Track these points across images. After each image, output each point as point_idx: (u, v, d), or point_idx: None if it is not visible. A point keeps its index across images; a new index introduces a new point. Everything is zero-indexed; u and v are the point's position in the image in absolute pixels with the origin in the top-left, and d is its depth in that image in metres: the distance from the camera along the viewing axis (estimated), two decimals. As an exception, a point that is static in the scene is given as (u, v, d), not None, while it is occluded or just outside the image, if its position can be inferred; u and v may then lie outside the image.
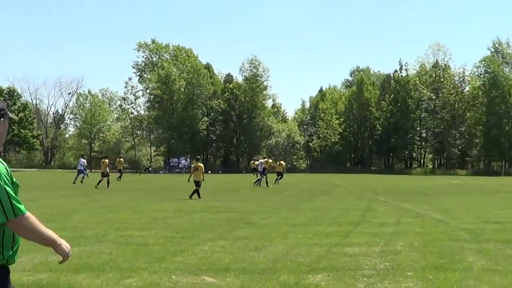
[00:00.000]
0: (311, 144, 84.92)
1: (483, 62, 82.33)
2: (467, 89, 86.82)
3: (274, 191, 29.97)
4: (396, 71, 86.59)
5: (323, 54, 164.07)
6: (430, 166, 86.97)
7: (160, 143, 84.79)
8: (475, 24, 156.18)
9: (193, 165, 26.25)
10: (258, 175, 35.92)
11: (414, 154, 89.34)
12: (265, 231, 12.79)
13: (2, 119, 3.25)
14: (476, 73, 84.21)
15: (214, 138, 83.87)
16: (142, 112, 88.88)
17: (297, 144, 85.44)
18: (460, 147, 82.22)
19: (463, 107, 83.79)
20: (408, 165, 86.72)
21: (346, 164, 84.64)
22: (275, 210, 18.18)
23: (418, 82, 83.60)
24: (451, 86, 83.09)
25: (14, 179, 3.19)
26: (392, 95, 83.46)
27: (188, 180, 24.00)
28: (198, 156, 64.81)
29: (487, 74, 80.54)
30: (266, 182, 33.55)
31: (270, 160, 37.51)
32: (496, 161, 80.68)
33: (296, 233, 12.48)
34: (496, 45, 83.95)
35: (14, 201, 3.04)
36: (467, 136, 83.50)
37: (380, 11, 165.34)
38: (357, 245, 10.90)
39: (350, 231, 12.93)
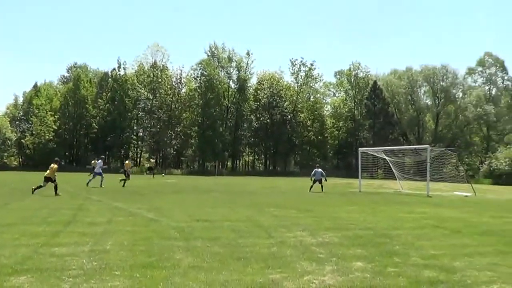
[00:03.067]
0: (23, 141, 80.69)
1: (199, 65, 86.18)
2: (184, 90, 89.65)
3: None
4: (114, 69, 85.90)
5: (38, 48, 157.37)
6: (146, 166, 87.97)
7: None
8: (193, 25, 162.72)
9: None
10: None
11: (130, 153, 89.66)
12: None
13: None
14: (193, 75, 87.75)
15: None
16: None
17: (8, 141, 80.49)
18: (176, 147, 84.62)
19: (180, 108, 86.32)
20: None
21: (60, 162, 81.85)
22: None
23: (136, 81, 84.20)
24: (169, 87, 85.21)
25: None
26: (110, 93, 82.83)
27: None
28: None
29: (203, 77, 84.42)
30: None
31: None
32: (210, 161, 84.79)
33: (1, 234, 11.88)
34: (213, 49, 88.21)
35: None
36: (182, 137, 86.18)
37: (106, 9, 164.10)
38: (66, 245, 10.65)
39: (59, 231, 12.59)
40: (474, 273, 8.79)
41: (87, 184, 33.49)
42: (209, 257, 9.70)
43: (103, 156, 40.84)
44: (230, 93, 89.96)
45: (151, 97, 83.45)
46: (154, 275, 8.09)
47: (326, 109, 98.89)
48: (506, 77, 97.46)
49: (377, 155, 44.43)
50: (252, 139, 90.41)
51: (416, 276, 8.41)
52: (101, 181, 33.75)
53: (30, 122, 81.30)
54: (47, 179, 26.06)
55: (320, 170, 35.71)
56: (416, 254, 10.47)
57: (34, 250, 10.00)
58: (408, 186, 41.77)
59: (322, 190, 34.74)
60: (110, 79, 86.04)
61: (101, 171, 34.38)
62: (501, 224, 16.46)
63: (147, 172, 61.15)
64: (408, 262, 9.68)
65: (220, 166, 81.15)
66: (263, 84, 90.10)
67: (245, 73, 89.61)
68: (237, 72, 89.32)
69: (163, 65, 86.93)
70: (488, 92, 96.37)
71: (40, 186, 25.59)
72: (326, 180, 35.81)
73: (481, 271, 8.96)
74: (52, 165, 26.79)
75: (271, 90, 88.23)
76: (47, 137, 78.68)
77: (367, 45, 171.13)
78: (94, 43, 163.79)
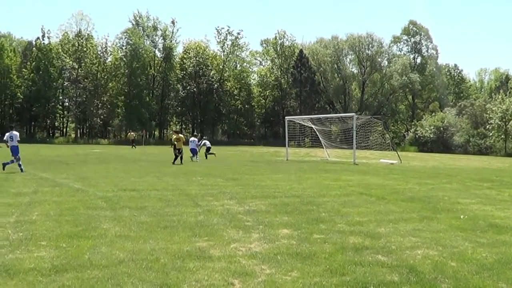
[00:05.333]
0: None
1: (125, 34, 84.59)
2: (109, 59, 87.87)
3: None
4: (38, 38, 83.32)
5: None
6: (73, 136, 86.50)
7: None
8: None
9: None
10: None
11: (56, 123, 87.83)
12: None
13: None
14: (118, 44, 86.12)
15: None
16: None
17: None
18: (102, 116, 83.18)
19: (106, 77, 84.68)
20: (51, 134, 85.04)
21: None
22: None
23: (61, 50, 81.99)
24: (94, 56, 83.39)
25: None
26: (34, 63, 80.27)
27: None
28: None
29: (129, 46, 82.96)
30: None
31: None
32: (135, 131, 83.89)
33: None
34: (137, 18, 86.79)
35: None
36: (109, 106, 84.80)
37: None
38: (-10, 216, 10.44)
39: (-17, 202, 12.30)
40: (399, 239, 9.06)
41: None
42: (136, 226, 9.70)
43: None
44: (156, 62, 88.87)
45: (76, 67, 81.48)
46: (81, 245, 8.02)
47: (253, 78, 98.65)
48: (430, 46, 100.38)
49: (303, 123, 44.95)
50: (179, 108, 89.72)
51: (342, 243, 8.60)
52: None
53: (-49, 92, 78.14)
54: None
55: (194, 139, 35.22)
56: (342, 221, 10.70)
57: (-43, 222, 9.74)
58: (335, 154, 42.54)
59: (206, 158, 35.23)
60: (34, 48, 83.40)
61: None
62: (425, 191, 16.99)
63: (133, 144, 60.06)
64: (334, 229, 9.89)
65: (147, 136, 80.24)
66: (189, 53, 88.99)
67: (171, 41, 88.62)
68: (163, 41, 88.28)
69: (88, 34, 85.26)
70: (413, 61, 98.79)
71: None
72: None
73: (405, 237, 9.25)
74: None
75: (197, 59, 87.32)
76: (-30, 107, 76.02)
77: (293, 13, 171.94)
78: (17, 12, 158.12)
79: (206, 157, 36.47)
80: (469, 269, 7.17)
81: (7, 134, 23.24)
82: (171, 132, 77.38)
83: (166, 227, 9.64)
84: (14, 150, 22.52)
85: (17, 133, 23.50)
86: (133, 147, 57.34)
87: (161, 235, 8.92)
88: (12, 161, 22.37)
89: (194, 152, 33.71)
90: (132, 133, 65.88)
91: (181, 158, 29.77)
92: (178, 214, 11.15)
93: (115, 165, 27.98)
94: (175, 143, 30.40)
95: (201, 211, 11.57)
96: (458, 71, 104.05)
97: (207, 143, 38.77)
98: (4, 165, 22.05)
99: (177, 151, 29.79)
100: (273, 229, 9.67)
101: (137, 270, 6.72)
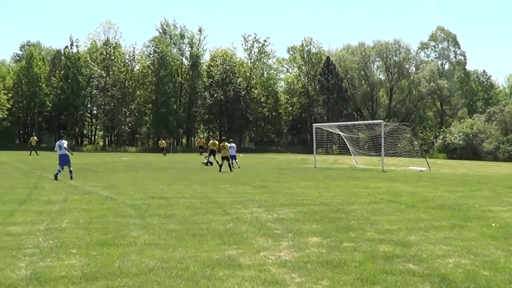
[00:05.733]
0: (-25, 120, 78.80)
1: (152, 42, 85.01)
2: (137, 68, 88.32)
3: None
4: (67, 47, 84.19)
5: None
6: (101, 143, 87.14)
7: None
8: (145, 4, 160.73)
9: None
10: None
11: (85, 131, 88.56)
12: None
13: None
14: (146, 53, 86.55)
15: None
16: None
17: (-39, 120, 78.37)
18: (130, 124, 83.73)
19: (133, 85, 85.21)
20: (79, 142, 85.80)
21: (14, 141, 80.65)
22: None
23: (89, 59, 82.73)
24: (122, 64, 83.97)
25: None
26: (63, 71, 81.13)
27: None
28: None
29: (156, 54, 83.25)
30: None
31: None
32: (165, 138, 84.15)
33: (-46, 215, 11.61)
34: (164, 26, 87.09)
35: None
36: (137, 114, 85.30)
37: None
38: (21, 223, 10.57)
39: (14, 210, 12.46)
40: (430, 247, 8.95)
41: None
42: (165, 234, 9.72)
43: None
44: (183, 70, 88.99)
45: (104, 75, 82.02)
46: (111, 253, 8.06)
47: (280, 85, 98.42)
48: (458, 52, 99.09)
49: (331, 130, 44.71)
50: (207, 116, 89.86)
51: (372, 251, 8.53)
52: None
53: (-18, 101, 79.28)
54: None
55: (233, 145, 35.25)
56: (372, 229, 10.61)
57: (-13, 230, 9.85)
58: (363, 161, 42.25)
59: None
60: (63, 57, 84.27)
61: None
62: (455, 198, 16.78)
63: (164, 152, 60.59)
64: (363, 237, 9.81)
65: (175, 143, 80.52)
66: (216, 61, 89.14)
67: (198, 49, 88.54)
68: (190, 48, 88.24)
69: (115, 43, 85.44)
70: (441, 67, 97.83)
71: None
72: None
73: (436, 245, 9.13)
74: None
75: (224, 66, 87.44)
76: (0, 116, 76.84)
77: (320, 21, 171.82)
78: (46, 21, 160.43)
79: (207, 164, 36.82)
80: (502, 278, 7.06)
81: (57, 142, 23.61)
82: (198, 139, 77.79)
83: (195, 235, 9.64)
84: (63, 159, 22.76)
85: (65, 141, 23.75)
86: (164, 154, 57.56)
87: (191, 243, 8.92)
88: (59, 171, 22.49)
89: (233, 157, 34.10)
90: (163, 141, 66.17)
91: (224, 165, 30.15)
92: (207, 222, 11.16)
93: (143, 172, 28.07)
94: (212, 148, 30.82)
95: (230, 219, 11.56)
96: (487, 77, 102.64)
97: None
98: (55, 176, 22.29)
99: (219, 158, 30.16)
100: (303, 237, 9.62)
101: (167, 278, 6.72)
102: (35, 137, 51.97)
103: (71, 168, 22.71)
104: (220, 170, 29.61)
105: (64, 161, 22.74)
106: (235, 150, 35.20)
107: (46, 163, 33.07)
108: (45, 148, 68.04)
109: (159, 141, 67.60)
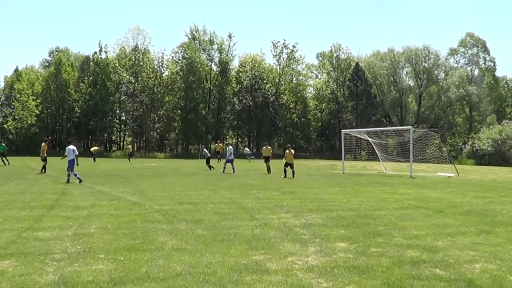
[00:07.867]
0: (6, 126, 79.85)
1: (181, 48, 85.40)
2: (166, 73, 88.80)
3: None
4: (95, 52, 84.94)
5: (19, 32, 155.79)
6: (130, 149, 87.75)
7: None
8: (174, 7, 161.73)
9: None
10: None
11: (113, 137, 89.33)
12: None
13: None
14: (175, 58, 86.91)
15: None
16: None
17: (-10, 126, 79.71)
18: (158, 130, 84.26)
19: (162, 91, 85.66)
20: (108, 148, 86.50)
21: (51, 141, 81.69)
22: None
23: (117, 65, 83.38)
24: (151, 70, 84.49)
25: None
26: (92, 77, 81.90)
27: None
28: None
29: (185, 60, 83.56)
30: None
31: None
32: (194, 144, 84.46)
33: (-17, 220, 11.75)
34: (194, 32, 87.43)
35: None
36: (165, 120, 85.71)
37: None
38: (49, 229, 10.65)
39: (42, 215, 12.57)
40: (457, 253, 8.88)
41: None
42: (193, 240, 9.74)
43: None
44: (212, 75, 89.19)
45: (133, 81, 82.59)
46: (138, 258, 8.10)
47: (309, 91, 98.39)
48: (488, 58, 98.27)
49: (360, 136, 44.56)
50: (235, 121, 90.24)
51: (399, 256, 8.48)
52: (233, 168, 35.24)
53: (12, 106, 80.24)
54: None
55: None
56: (399, 235, 10.54)
57: (17, 235, 9.97)
58: (392, 167, 42.02)
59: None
60: (91, 62, 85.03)
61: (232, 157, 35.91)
62: (483, 204, 16.63)
63: (128, 156, 61.29)
64: (391, 242, 9.75)
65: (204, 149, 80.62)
66: (245, 67, 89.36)
67: (227, 55, 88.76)
68: (219, 54, 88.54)
69: (144, 48, 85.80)
70: (470, 73, 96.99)
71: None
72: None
73: (463, 251, 9.05)
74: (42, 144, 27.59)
75: (253, 72, 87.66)
76: (30, 121, 77.77)
77: (349, 27, 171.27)
78: (75, 27, 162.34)
79: (210, 168, 37.65)
80: (529, 284, 6.97)
81: (70, 148, 24.25)
82: (215, 144, 78.10)
83: (223, 240, 9.66)
84: (72, 164, 23.59)
85: (73, 147, 24.44)
86: (218, 160, 56.59)
87: (218, 248, 8.94)
88: (75, 174, 23.24)
89: (230, 161, 35.24)
90: (220, 144, 65.83)
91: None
92: (234, 227, 11.17)
93: (172, 178, 28.14)
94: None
95: (257, 224, 11.56)
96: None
97: (207, 152, 40.75)
98: (79, 180, 22.88)
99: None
100: (330, 243, 9.59)
101: (195, 283, 6.74)
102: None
103: (70, 173, 23.73)
104: (285, 176, 30.57)
105: (72, 166, 23.80)
106: (232, 155, 36.11)
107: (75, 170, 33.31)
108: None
109: (216, 144, 65.63)
